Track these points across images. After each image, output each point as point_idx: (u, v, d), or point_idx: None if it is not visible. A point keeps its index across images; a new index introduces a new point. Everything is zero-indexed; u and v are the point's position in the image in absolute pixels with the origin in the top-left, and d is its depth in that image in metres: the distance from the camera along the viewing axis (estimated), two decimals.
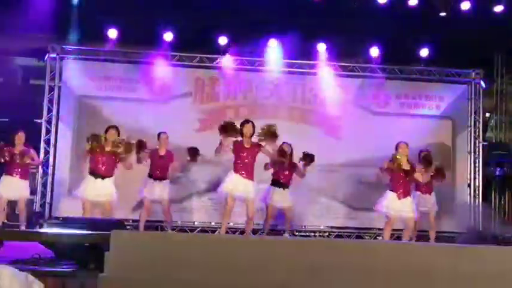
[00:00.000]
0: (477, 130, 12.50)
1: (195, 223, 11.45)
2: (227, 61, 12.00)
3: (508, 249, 6.83)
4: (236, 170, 8.83)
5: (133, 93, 11.90)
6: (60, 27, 11.25)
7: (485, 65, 12.67)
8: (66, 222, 7.98)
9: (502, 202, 12.71)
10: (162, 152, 9.74)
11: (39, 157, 10.43)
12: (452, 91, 12.60)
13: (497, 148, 12.77)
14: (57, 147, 11.49)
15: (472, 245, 8.00)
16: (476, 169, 12.27)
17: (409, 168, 8.74)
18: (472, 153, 12.35)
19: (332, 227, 11.84)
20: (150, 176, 9.67)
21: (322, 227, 11.65)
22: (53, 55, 11.72)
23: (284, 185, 9.82)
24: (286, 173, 9.83)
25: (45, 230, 9.04)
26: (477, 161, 12.33)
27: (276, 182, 9.83)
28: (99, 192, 8.84)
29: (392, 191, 8.67)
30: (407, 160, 8.85)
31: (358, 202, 11.90)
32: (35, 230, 9.05)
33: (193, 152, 9.69)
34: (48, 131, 11.57)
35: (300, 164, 9.85)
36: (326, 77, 12.24)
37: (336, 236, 11.61)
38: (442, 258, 5.82)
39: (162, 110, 11.81)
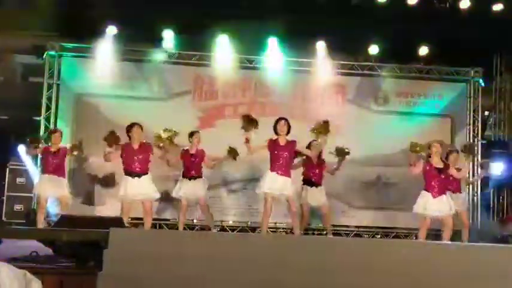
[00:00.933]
0: (476, 128, 12.51)
1: (194, 221, 11.44)
2: (227, 59, 11.98)
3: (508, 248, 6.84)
4: (272, 169, 8.69)
5: (132, 91, 11.90)
6: (59, 24, 11.22)
7: (484, 63, 12.67)
8: (65, 219, 7.99)
9: (501, 201, 12.70)
10: (193, 151, 9.70)
11: None
12: (452, 89, 12.62)
13: (496, 146, 12.77)
14: None
15: (471, 243, 8.02)
16: (475, 167, 12.26)
17: (442, 166, 8.70)
18: None
19: (332, 225, 11.82)
20: (185, 176, 9.65)
21: (321, 225, 11.62)
22: (52, 53, 11.71)
23: (316, 184, 9.85)
24: (317, 171, 9.85)
25: (44, 227, 9.09)
26: (476, 159, 12.33)
27: (307, 181, 9.84)
28: (137, 192, 8.69)
29: (426, 190, 8.61)
30: (440, 158, 8.82)
31: (357, 200, 11.92)
32: (33, 227, 9.03)
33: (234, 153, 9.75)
34: (46, 129, 11.54)
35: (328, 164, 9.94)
36: (325, 75, 12.24)
37: (334, 234, 11.59)
38: (443, 256, 5.83)
39: (161, 107, 11.81)
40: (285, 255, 5.62)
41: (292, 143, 8.81)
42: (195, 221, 11.45)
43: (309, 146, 9.54)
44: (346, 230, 11.79)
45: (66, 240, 5.93)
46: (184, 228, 10.10)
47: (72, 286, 5.51)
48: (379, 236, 11.82)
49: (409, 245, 6.89)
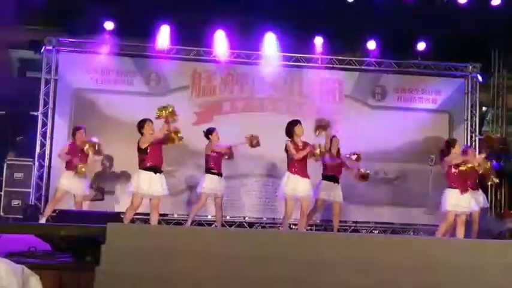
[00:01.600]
0: (474, 124, 12.51)
1: None
2: (224, 54, 11.96)
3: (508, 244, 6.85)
4: (292, 171, 8.84)
5: (130, 86, 11.89)
6: (56, 19, 11.20)
7: (483, 59, 12.65)
8: (62, 215, 7.99)
9: (499, 196, 12.68)
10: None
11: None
12: (449, 85, 12.60)
13: None
14: (53, 140, 11.46)
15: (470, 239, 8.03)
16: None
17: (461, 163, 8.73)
18: None
19: (329, 221, 11.82)
20: (208, 172, 9.71)
21: (318, 221, 11.62)
22: (49, 48, 11.68)
23: (335, 180, 9.90)
24: (335, 167, 9.89)
25: (42, 222, 9.09)
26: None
27: (326, 177, 9.87)
28: (156, 188, 8.65)
29: (452, 188, 8.62)
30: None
31: (355, 196, 11.90)
32: (31, 222, 9.03)
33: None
34: (44, 124, 11.54)
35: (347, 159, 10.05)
36: (323, 70, 12.23)
37: (332, 230, 11.59)
38: (440, 252, 5.83)
39: (159, 103, 11.74)
40: (283, 252, 5.61)
41: (309, 144, 8.92)
42: None
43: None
44: (344, 226, 11.77)
45: (64, 235, 5.92)
46: (178, 224, 10.14)
47: (70, 281, 5.50)
48: (376, 231, 11.82)
49: (410, 241, 6.89)
